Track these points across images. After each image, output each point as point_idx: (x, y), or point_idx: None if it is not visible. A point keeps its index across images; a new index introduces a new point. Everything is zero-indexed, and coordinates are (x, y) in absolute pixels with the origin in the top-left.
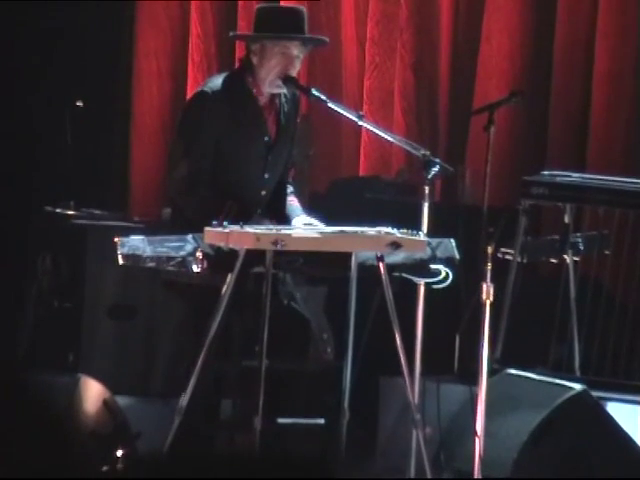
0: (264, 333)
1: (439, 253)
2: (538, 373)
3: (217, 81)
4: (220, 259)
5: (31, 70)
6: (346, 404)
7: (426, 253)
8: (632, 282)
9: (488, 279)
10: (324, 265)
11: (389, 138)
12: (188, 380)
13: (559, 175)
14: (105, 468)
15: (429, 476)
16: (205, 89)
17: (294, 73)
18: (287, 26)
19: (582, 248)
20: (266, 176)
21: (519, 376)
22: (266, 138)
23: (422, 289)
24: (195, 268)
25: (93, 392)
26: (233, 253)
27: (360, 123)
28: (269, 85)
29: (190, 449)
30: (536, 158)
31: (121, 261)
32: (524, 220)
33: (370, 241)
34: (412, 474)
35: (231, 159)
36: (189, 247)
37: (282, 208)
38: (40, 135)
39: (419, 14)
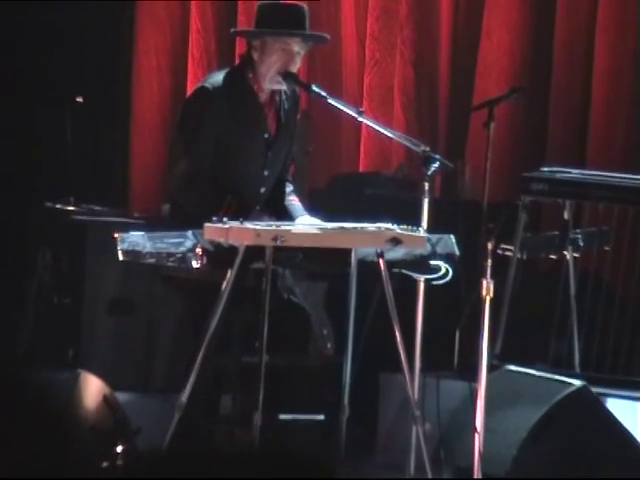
0: (264, 329)
1: (439, 249)
2: (538, 369)
3: (218, 77)
4: (220, 255)
5: (31, 67)
6: (346, 400)
7: (426, 249)
8: (632, 278)
9: (488, 275)
10: (324, 261)
11: (389, 134)
12: (188, 376)
13: (559, 171)
14: (105, 464)
15: (429, 472)
16: (206, 85)
17: (294, 69)
18: (288, 22)
19: (582, 244)
20: (265, 173)
21: (519, 372)
22: (266, 135)
23: (422, 285)
24: (195, 264)
25: (93, 388)
26: (233, 249)
27: (360, 119)
28: (269, 81)
29: (190, 445)
30: (536, 154)
31: (121, 257)
32: (524, 216)
33: (370, 237)
34: (412, 470)
35: (231, 156)
36: (189, 243)
37: (280, 204)
38: (40, 131)
39: (419, 10)
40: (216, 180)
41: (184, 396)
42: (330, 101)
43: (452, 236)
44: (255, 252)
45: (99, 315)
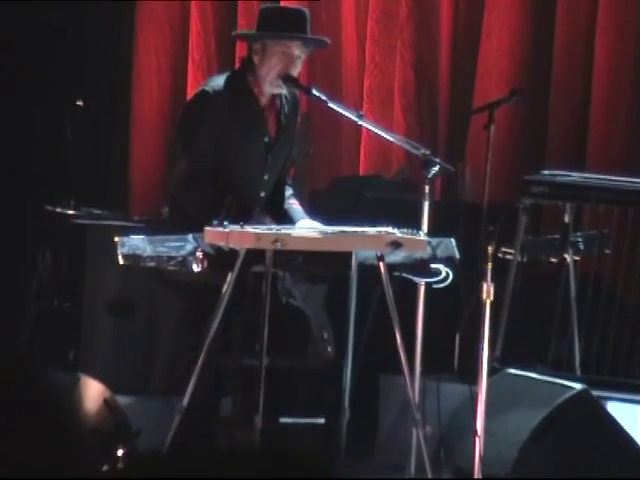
0: (264, 331)
1: (439, 252)
2: (538, 372)
3: (219, 80)
4: (220, 258)
5: (31, 68)
6: (346, 402)
7: (426, 252)
8: (632, 281)
9: (488, 278)
10: (324, 264)
11: (389, 137)
12: (188, 378)
13: (559, 174)
14: (106, 467)
15: (429, 474)
16: (207, 88)
17: (295, 73)
18: (289, 26)
19: (582, 247)
20: (265, 177)
21: (519, 375)
22: (266, 138)
23: (422, 288)
24: (195, 268)
25: (93, 391)
26: (233, 252)
27: (360, 122)
28: (269, 84)
29: (190, 447)
30: (536, 156)
31: (121, 261)
32: (524, 219)
33: (370, 240)
34: (412, 472)
35: (231, 159)
36: (189, 247)
37: (280, 208)
38: (40, 133)
39: (419, 12)
40: (216, 181)
41: (184, 399)
42: (330, 105)
43: (452, 239)
44: (255, 255)
45: (99, 317)
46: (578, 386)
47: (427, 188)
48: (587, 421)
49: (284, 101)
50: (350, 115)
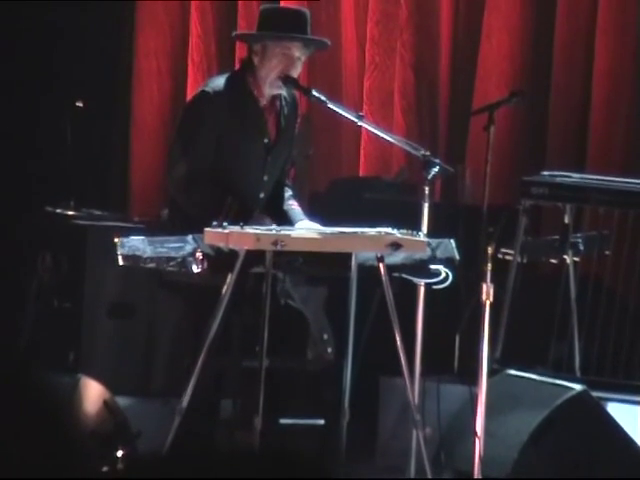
0: (264, 333)
1: (439, 253)
2: (538, 373)
3: (219, 81)
4: (220, 259)
5: (31, 69)
6: (346, 404)
7: (426, 253)
8: (632, 282)
9: (488, 279)
10: (324, 265)
11: (389, 138)
12: (188, 380)
13: (559, 175)
14: (106, 468)
15: (429, 476)
16: (207, 89)
17: (295, 74)
18: (289, 27)
19: (582, 248)
20: (265, 178)
21: (519, 376)
22: (266, 140)
23: (422, 289)
24: (195, 269)
25: (93, 392)
26: (233, 253)
27: (360, 123)
28: (269, 85)
29: (190, 449)
30: (536, 157)
31: (121, 262)
32: (524, 220)
33: (370, 241)
34: (412, 474)
35: (231, 160)
36: (189, 247)
37: (279, 209)
38: (40, 134)
39: (419, 14)
40: (216, 182)
41: (184, 400)
42: (330, 106)
43: (452, 240)
44: (255, 256)
45: (99, 319)
46: (578, 387)
47: (427, 189)
48: (587, 422)
49: (284, 102)
50: (350, 116)
